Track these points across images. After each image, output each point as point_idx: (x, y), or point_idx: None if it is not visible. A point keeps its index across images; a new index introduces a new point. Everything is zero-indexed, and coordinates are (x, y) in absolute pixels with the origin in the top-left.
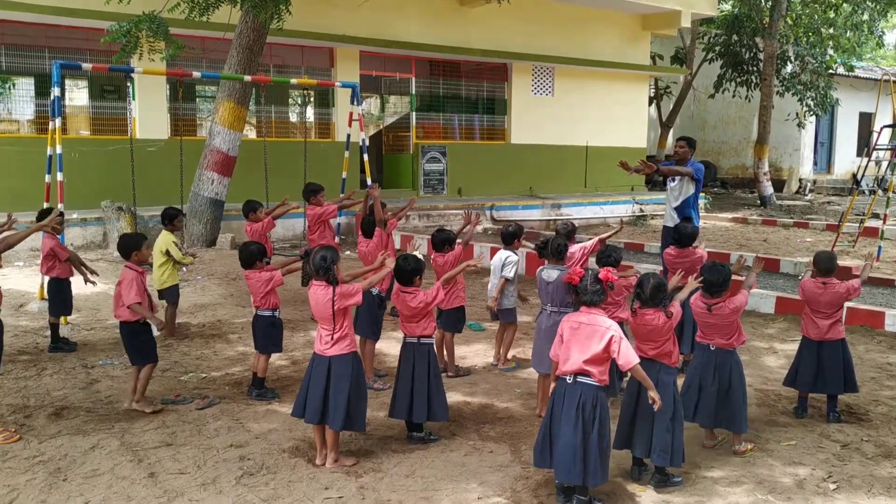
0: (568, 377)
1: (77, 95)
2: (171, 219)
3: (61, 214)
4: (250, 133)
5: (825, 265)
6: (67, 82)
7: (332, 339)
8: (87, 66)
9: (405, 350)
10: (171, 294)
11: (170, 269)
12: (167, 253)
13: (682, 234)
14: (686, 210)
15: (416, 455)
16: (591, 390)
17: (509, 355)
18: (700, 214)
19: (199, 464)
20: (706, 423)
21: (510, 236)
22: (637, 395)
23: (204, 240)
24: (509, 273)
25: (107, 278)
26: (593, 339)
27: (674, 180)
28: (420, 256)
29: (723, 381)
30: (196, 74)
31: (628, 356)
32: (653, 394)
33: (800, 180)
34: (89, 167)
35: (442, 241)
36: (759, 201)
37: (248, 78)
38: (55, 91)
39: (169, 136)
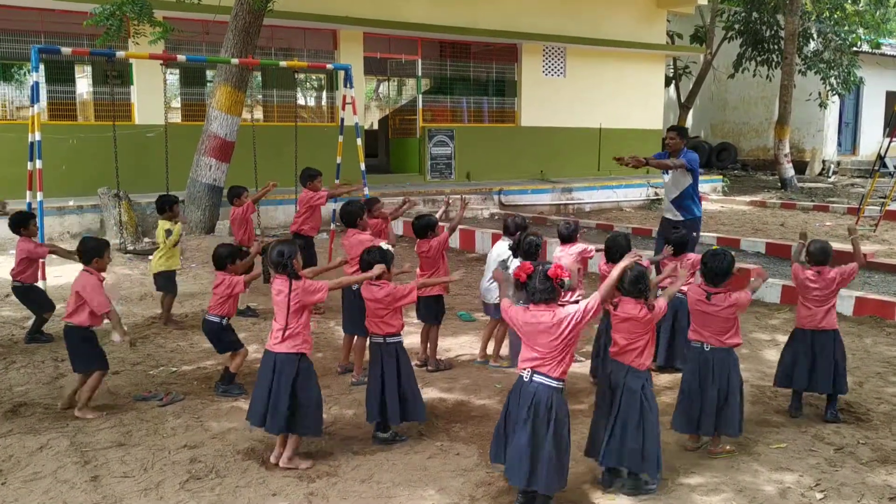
0: (524, 373)
1: (78, 81)
2: (170, 205)
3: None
4: (259, 117)
5: (819, 258)
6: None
7: (282, 335)
8: (66, 50)
9: (373, 351)
10: (161, 280)
11: (162, 255)
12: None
13: (674, 244)
14: (685, 202)
15: (377, 458)
16: (546, 391)
17: (502, 352)
18: (702, 202)
19: (146, 466)
20: (709, 431)
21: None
22: (610, 401)
23: (202, 227)
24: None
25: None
26: (548, 332)
27: (667, 173)
28: (386, 247)
29: (722, 381)
30: (181, 58)
31: (587, 304)
32: (628, 261)
33: (823, 162)
34: (87, 154)
35: (423, 227)
36: (780, 184)
37: (234, 61)
38: (34, 76)
39: (168, 121)
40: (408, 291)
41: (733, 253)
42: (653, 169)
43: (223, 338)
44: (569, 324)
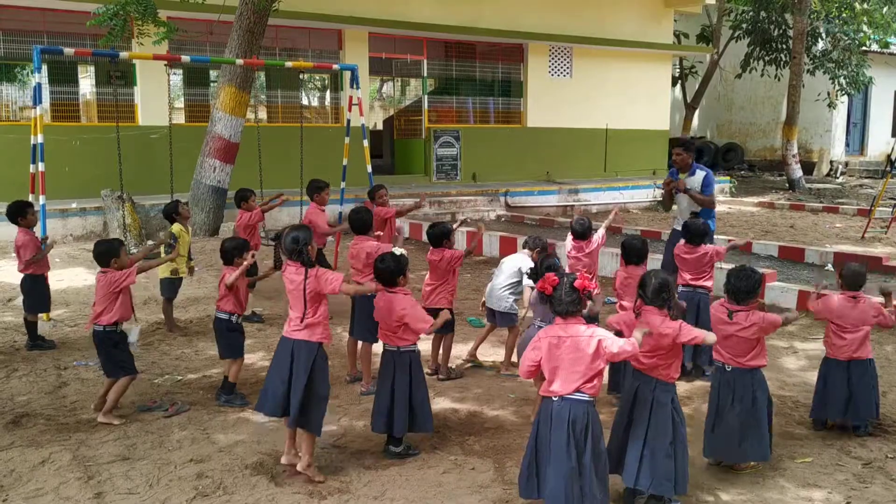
0: (555, 397)
1: (81, 82)
2: (173, 211)
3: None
4: (264, 118)
5: (853, 281)
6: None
7: (301, 324)
8: (69, 50)
9: (385, 359)
10: (162, 287)
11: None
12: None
13: (692, 231)
14: (701, 216)
15: (390, 472)
16: (580, 406)
17: (513, 358)
18: (716, 211)
19: (151, 482)
20: (731, 458)
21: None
22: (630, 414)
23: (206, 229)
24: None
25: None
26: (580, 352)
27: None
28: (400, 252)
29: (746, 402)
30: (185, 59)
31: (624, 348)
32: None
33: (831, 162)
34: (90, 155)
35: (438, 235)
36: (787, 185)
37: (239, 61)
38: (37, 77)
39: (172, 122)
40: (424, 322)
41: (744, 256)
42: (659, 170)
43: (228, 338)
44: (604, 356)
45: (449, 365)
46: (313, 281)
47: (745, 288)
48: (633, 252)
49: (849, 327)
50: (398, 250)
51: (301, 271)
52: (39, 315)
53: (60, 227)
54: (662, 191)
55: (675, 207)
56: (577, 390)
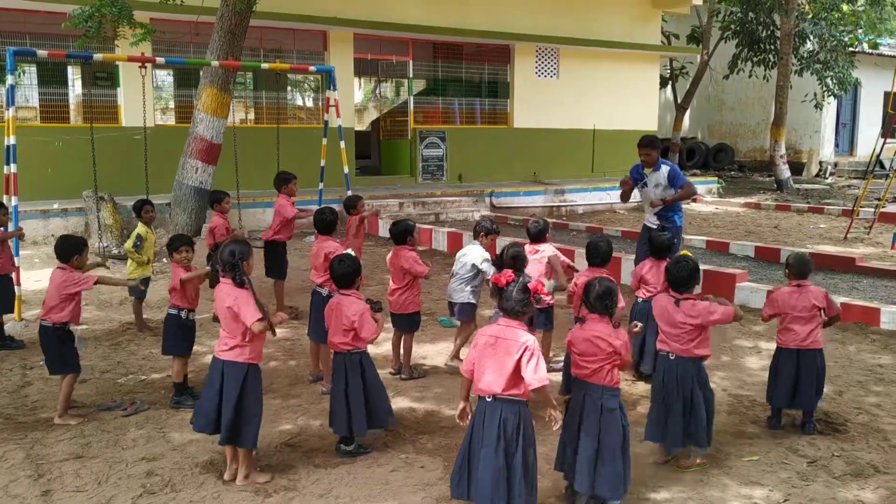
0: (487, 396)
1: (67, 83)
2: (137, 211)
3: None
4: (252, 118)
5: (799, 270)
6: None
7: (229, 344)
8: (42, 52)
9: (336, 362)
10: (133, 289)
11: (135, 263)
12: (134, 245)
13: (656, 245)
14: (667, 212)
15: (338, 471)
16: (513, 406)
17: (461, 354)
18: (683, 208)
19: (100, 480)
20: (676, 444)
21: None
22: (579, 419)
23: (188, 230)
24: (491, 271)
25: None
26: (510, 356)
27: (648, 185)
28: (353, 254)
29: (686, 392)
30: (160, 60)
31: (536, 375)
32: (554, 413)
33: (820, 163)
34: (74, 156)
35: (402, 232)
36: (775, 185)
37: (215, 63)
38: (10, 79)
39: (155, 123)
40: (372, 331)
41: (721, 256)
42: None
43: (175, 334)
44: (524, 365)
45: (412, 364)
46: (235, 303)
47: (683, 277)
48: (597, 255)
49: (799, 317)
50: (352, 252)
51: (233, 291)
52: (12, 315)
53: (42, 227)
54: (620, 190)
55: (645, 209)
56: (508, 391)
